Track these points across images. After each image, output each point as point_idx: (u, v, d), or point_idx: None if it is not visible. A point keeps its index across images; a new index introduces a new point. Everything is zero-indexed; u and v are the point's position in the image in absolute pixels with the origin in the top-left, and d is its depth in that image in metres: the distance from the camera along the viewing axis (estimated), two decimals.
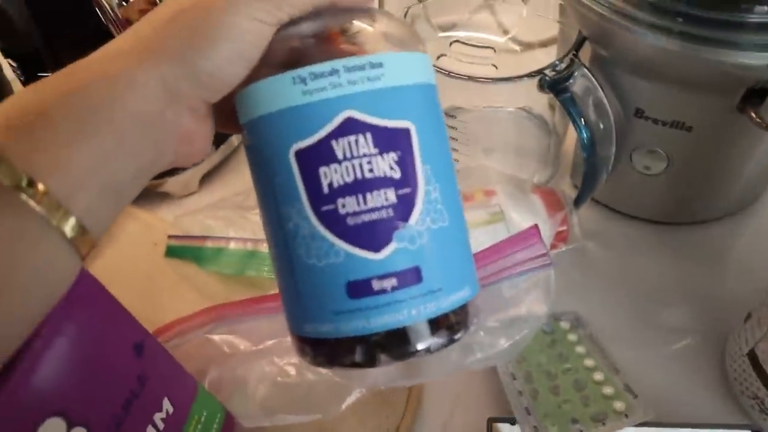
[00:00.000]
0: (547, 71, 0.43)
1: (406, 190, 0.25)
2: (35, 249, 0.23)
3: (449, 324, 0.26)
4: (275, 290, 0.36)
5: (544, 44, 0.53)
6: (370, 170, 0.25)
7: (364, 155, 0.25)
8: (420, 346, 0.26)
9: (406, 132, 0.25)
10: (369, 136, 0.25)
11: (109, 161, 0.24)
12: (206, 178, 0.58)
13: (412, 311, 0.25)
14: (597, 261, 0.50)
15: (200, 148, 0.28)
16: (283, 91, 0.25)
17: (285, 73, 0.25)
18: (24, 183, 0.22)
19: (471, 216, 0.44)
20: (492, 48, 0.46)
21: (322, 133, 0.25)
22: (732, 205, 0.52)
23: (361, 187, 0.25)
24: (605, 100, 0.43)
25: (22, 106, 0.23)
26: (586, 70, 0.43)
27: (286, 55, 0.27)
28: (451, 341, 0.27)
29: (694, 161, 0.46)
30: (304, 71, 0.25)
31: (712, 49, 0.37)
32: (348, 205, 0.25)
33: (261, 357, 0.40)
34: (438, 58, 0.46)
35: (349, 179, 0.25)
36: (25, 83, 0.54)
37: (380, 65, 0.25)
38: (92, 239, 0.24)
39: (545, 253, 0.37)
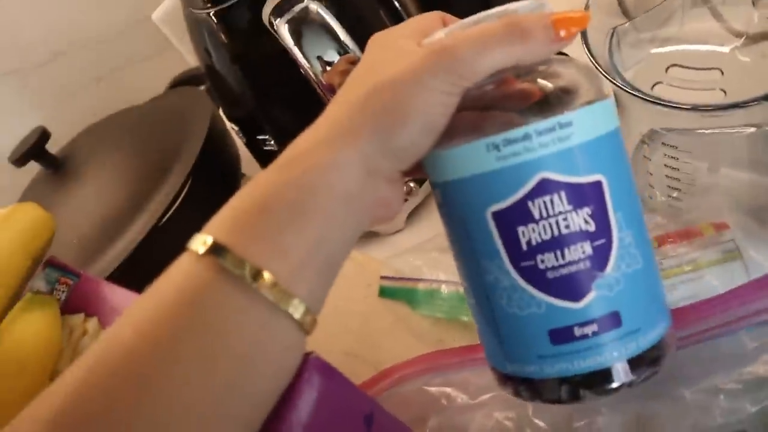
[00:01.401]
0: None
1: (602, 241, 0.26)
2: (268, 333, 0.25)
3: (649, 359, 0.27)
4: None
5: None
6: (567, 227, 0.26)
7: (560, 213, 0.26)
8: (621, 383, 0.27)
9: (598, 185, 0.26)
10: (563, 194, 0.26)
11: (323, 243, 0.26)
12: (412, 216, 0.59)
13: (613, 353, 0.26)
14: None
15: (395, 209, 0.30)
16: (476, 158, 0.26)
17: (478, 140, 0.26)
18: (252, 273, 0.24)
19: (701, 255, 0.40)
20: (719, 69, 0.41)
21: (518, 195, 0.26)
22: None
23: (558, 243, 0.26)
24: None
25: (246, 201, 0.26)
26: None
27: (472, 117, 0.28)
28: (652, 374, 0.28)
29: None
30: (497, 138, 0.26)
31: None
32: (547, 260, 0.26)
33: (478, 408, 0.40)
34: (653, 87, 0.42)
35: (547, 237, 0.26)
36: (247, 144, 0.59)
37: (569, 124, 0.26)
38: (314, 317, 0.26)
39: None
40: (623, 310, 0.26)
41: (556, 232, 0.26)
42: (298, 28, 0.47)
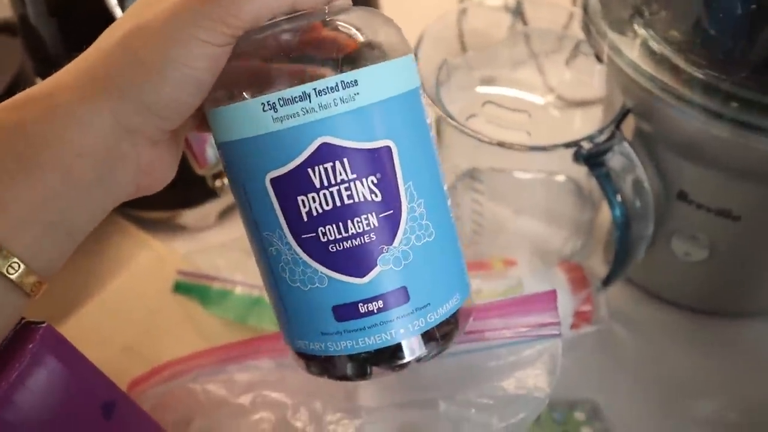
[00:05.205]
0: (583, 143, 0.40)
1: (389, 212, 0.24)
2: None
3: (438, 335, 0.26)
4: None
5: (587, 103, 0.51)
6: (350, 196, 0.24)
7: (343, 181, 0.23)
8: (410, 359, 0.26)
9: (385, 151, 0.24)
10: (346, 161, 0.23)
11: (55, 199, 0.23)
12: (226, 213, 0.56)
13: (400, 330, 0.25)
14: (623, 346, 0.46)
15: (163, 176, 0.27)
16: (253, 118, 0.23)
17: (254, 99, 0.23)
18: None
19: (486, 286, 0.41)
20: (527, 112, 0.43)
21: (297, 161, 0.23)
22: None
23: (341, 214, 0.24)
24: (645, 179, 0.40)
25: None
26: (626, 144, 0.40)
27: (251, 71, 0.24)
28: (442, 349, 0.27)
29: (740, 252, 0.42)
30: (273, 97, 0.23)
31: (765, 138, 0.34)
32: (329, 232, 0.24)
33: (249, 412, 0.38)
34: (467, 118, 0.44)
35: (329, 207, 0.24)
36: None
37: (354, 83, 0.23)
38: (39, 278, 0.23)
39: (557, 322, 0.33)
40: (411, 285, 0.25)
41: (338, 203, 0.24)
42: None
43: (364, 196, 0.24)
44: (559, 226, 0.49)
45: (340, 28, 0.25)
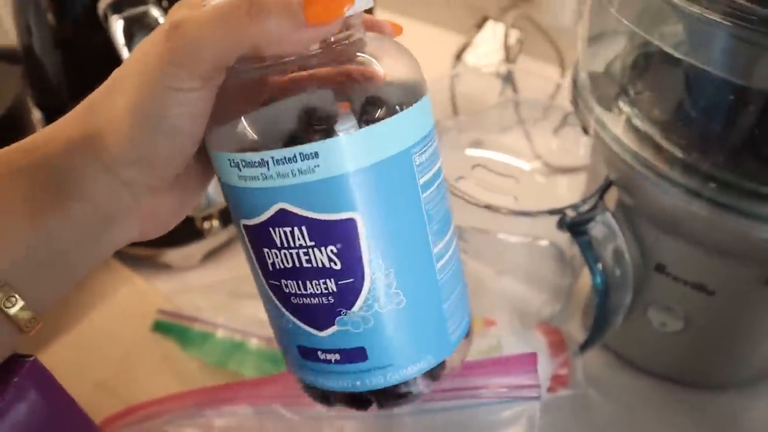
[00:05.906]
0: (567, 211, 0.41)
1: (349, 281, 0.24)
2: None
3: (398, 393, 0.26)
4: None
5: (572, 170, 0.52)
6: (308, 261, 0.24)
7: (301, 246, 0.23)
8: (364, 409, 0.27)
9: (348, 223, 0.23)
10: (304, 229, 0.23)
11: (54, 240, 0.23)
12: (211, 255, 0.56)
13: (356, 382, 0.26)
14: (598, 412, 0.46)
15: (167, 222, 0.27)
16: (226, 169, 0.24)
17: (223, 153, 0.24)
18: None
19: None
20: (514, 178, 0.44)
21: (259, 219, 0.24)
22: (753, 374, 0.48)
23: (299, 274, 0.24)
24: (625, 249, 0.41)
25: None
26: (609, 215, 0.41)
27: (228, 119, 0.24)
28: (405, 403, 0.27)
29: (714, 326, 0.43)
30: (236, 157, 0.23)
31: (742, 220, 0.35)
32: (290, 286, 0.25)
33: None
34: (457, 179, 0.45)
35: (288, 265, 0.24)
36: None
37: (314, 156, 0.22)
38: (35, 314, 0.23)
39: (537, 385, 0.34)
40: (370, 346, 0.25)
41: (297, 264, 0.24)
42: (132, 29, 0.44)
43: (322, 263, 0.23)
44: (540, 290, 0.50)
45: (326, 82, 0.23)
